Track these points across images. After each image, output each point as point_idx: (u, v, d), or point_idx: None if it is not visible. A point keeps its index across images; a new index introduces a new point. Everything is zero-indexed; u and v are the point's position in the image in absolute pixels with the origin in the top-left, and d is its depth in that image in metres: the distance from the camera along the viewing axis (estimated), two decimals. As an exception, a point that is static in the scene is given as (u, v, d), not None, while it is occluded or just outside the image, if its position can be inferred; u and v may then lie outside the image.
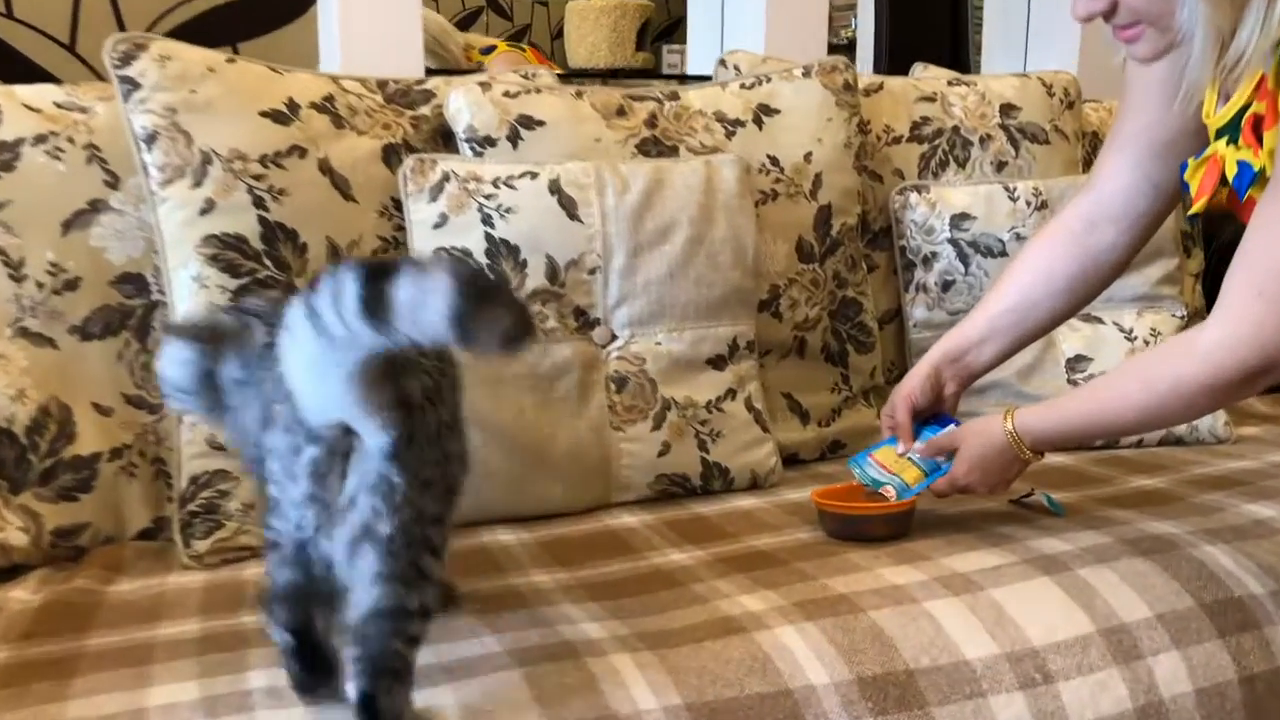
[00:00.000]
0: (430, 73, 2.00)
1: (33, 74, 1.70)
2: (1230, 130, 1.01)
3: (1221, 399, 1.00)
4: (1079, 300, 1.26)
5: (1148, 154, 1.17)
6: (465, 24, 4.41)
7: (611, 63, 4.16)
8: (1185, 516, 1.25)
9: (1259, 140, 0.98)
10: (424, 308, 0.69)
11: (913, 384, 1.28)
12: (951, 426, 1.27)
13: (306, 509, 0.83)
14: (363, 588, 0.82)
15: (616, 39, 4.25)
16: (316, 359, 0.76)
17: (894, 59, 3.15)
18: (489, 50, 3.09)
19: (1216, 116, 1.02)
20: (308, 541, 0.84)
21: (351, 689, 0.82)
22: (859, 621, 1.01)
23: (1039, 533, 1.20)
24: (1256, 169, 0.98)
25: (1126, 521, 1.24)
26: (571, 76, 3.70)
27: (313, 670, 0.87)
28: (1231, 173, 1.00)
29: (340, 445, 0.81)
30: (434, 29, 2.95)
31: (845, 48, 4.99)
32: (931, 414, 1.31)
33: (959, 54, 3.27)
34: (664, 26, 4.67)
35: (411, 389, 0.82)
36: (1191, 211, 1.07)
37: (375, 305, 0.70)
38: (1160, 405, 1.02)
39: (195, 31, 1.82)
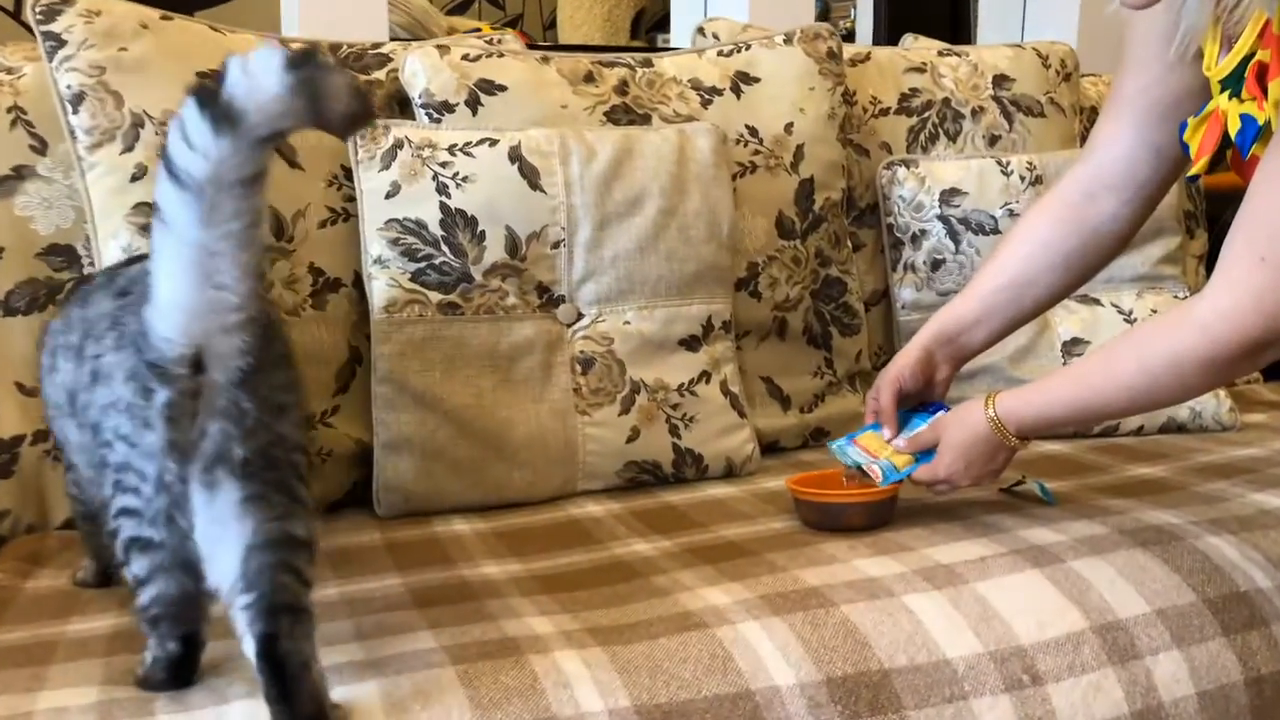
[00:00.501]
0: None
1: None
2: (1233, 82, 0.92)
3: (1221, 374, 0.91)
4: (1078, 277, 1.18)
5: (1149, 116, 1.08)
6: (458, 11, 4.33)
7: (605, 52, 4.08)
8: (1187, 506, 1.17)
9: (1264, 91, 0.89)
10: (260, 82, 0.68)
11: (901, 366, 1.19)
12: (940, 413, 1.19)
13: (167, 458, 0.76)
14: (233, 522, 0.77)
15: (610, 28, 4.17)
16: (191, 239, 0.71)
17: (893, 45, 3.07)
18: (473, 34, 3.01)
19: (1218, 68, 0.94)
20: (177, 503, 0.77)
21: (249, 642, 0.76)
22: (830, 617, 0.92)
23: (1029, 522, 1.11)
24: (1261, 123, 0.90)
25: (1124, 511, 1.15)
26: (570, 50, 3.61)
27: (183, 680, 0.82)
28: (1234, 128, 0.91)
29: (190, 387, 0.76)
30: (417, 11, 2.87)
31: (844, 38, 4.91)
32: (920, 400, 1.22)
33: (959, 40, 3.20)
34: (659, 16, 4.58)
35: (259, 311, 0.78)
36: (1191, 173, 0.99)
37: (219, 112, 0.68)
38: (1155, 382, 0.94)
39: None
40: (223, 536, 0.77)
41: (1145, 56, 1.05)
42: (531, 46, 1.66)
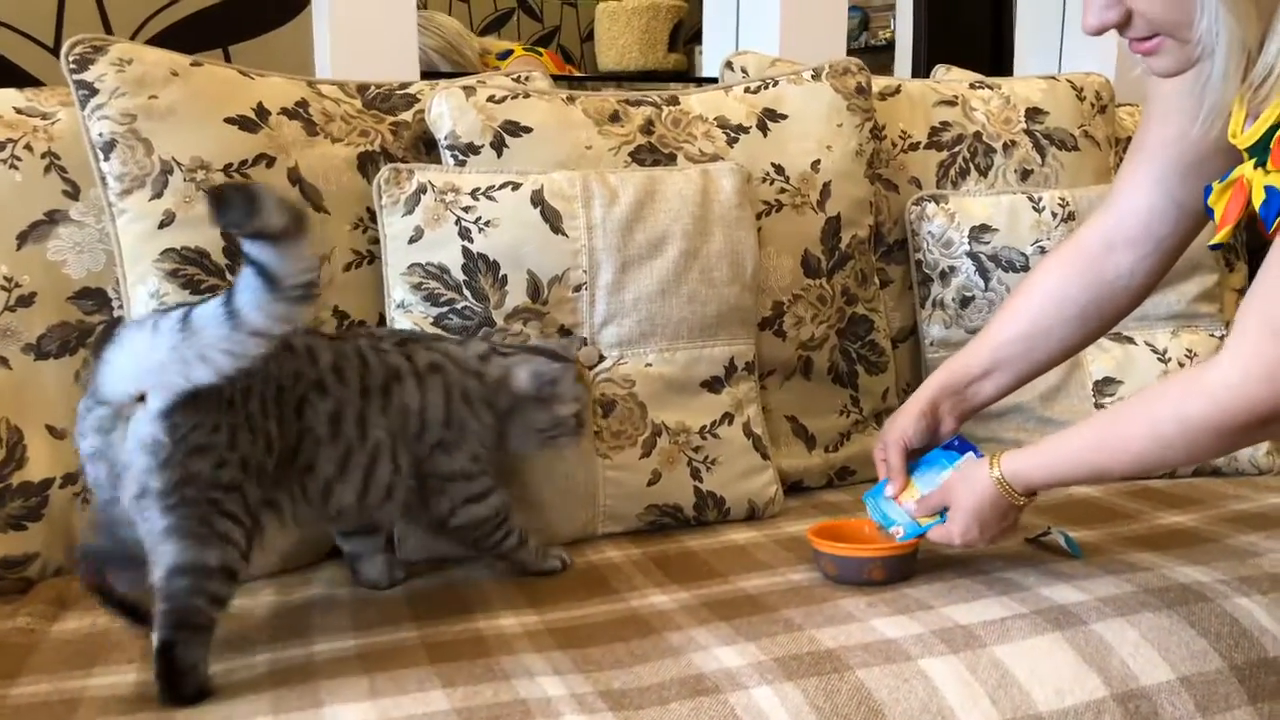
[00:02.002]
0: (427, 77, 1.93)
1: (15, 78, 1.65)
2: (1259, 151, 0.90)
3: (1230, 443, 0.90)
4: (1093, 331, 1.15)
5: (1172, 171, 1.06)
6: (497, 25, 4.35)
7: (643, 65, 4.08)
8: (1217, 561, 1.15)
9: None
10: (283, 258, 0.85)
11: (906, 421, 1.18)
12: (970, 455, 1.17)
13: (97, 465, 0.93)
14: (156, 545, 0.91)
15: (648, 41, 4.17)
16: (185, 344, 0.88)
17: (934, 62, 3.04)
18: (505, 55, 3.02)
19: (1244, 136, 0.91)
20: (110, 502, 0.94)
21: (155, 638, 0.91)
22: (844, 682, 0.92)
23: (1052, 579, 1.10)
24: None
25: (1150, 567, 1.13)
26: (602, 79, 3.61)
27: (130, 617, 1.00)
28: (1259, 200, 0.89)
29: (126, 410, 0.91)
30: (450, 34, 2.88)
31: (884, 49, 4.86)
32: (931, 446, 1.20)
33: (1002, 55, 3.16)
34: (698, 28, 4.58)
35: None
36: (1214, 241, 0.96)
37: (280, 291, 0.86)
38: (1166, 447, 0.92)
39: (185, 34, 1.76)
40: (154, 552, 0.92)
41: (1169, 109, 1.02)
42: (559, 77, 1.66)
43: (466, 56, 2.83)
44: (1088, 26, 0.90)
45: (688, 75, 4.18)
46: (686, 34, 4.27)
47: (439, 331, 1.22)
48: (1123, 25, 0.89)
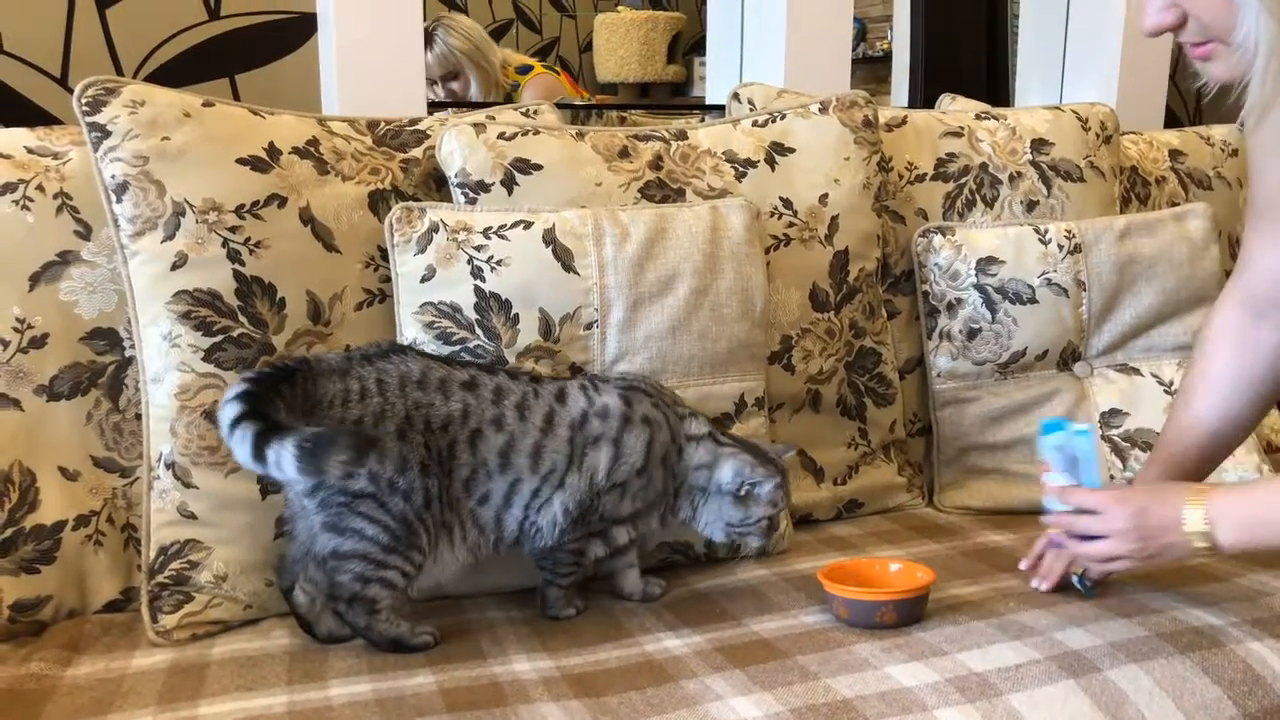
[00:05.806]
0: (436, 106, 1.94)
1: (24, 110, 1.65)
2: None
3: None
4: (1272, 395, 1.17)
5: None
6: (495, 36, 4.36)
7: (642, 76, 4.09)
8: (1228, 602, 1.15)
9: None
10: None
11: None
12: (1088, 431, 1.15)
13: None
14: (316, 537, 1.10)
15: (647, 52, 4.18)
16: None
17: (929, 77, 3.04)
18: (525, 70, 3.03)
19: None
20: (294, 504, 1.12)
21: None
22: (862, 733, 0.92)
23: (1065, 622, 1.10)
24: None
25: (1162, 608, 1.13)
26: (616, 106, 3.61)
27: (304, 630, 1.14)
28: None
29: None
30: (476, 37, 2.90)
31: (881, 59, 4.87)
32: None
33: (996, 73, 3.17)
34: (697, 39, 4.59)
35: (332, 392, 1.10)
36: None
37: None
38: None
39: (191, 64, 1.76)
40: (315, 542, 1.11)
41: (1267, 162, 1.03)
42: (566, 106, 1.66)
43: (491, 62, 2.86)
44: (1146, 27, 0.92)
45: (686, 86, 4.19)
46: (685, 45, 4.28)
47: (676, 395, 1.27)
48: (1177, 28, 0.91)
